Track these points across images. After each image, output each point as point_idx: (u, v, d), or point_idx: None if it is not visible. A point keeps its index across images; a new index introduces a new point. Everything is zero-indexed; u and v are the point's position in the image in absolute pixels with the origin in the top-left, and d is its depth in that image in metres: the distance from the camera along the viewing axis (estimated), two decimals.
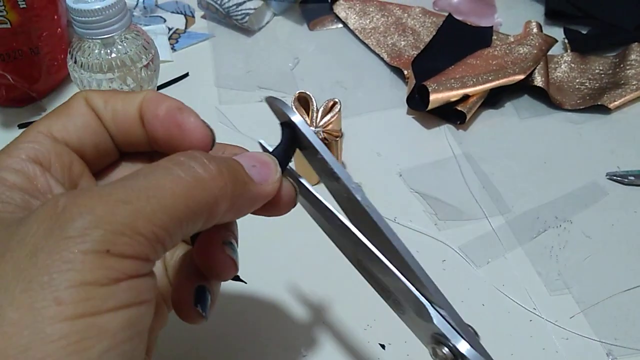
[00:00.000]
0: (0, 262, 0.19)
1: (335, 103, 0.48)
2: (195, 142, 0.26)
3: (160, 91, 0.61)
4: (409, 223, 0.48)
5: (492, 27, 0.68)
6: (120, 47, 0.48)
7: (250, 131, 0.55)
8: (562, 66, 0.64)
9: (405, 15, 0.71)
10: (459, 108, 0.56)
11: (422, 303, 0.26)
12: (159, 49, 0.52)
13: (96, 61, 0.48)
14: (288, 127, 0.27)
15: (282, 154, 0.28)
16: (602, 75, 0.63)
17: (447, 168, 0.53)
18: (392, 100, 0.61)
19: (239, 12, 0.68)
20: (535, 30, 0.66)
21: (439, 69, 0.59)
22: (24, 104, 0.60)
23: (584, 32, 0.69)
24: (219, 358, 0.39)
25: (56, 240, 0.19)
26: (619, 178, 0.51)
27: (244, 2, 0.68)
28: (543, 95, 0.59)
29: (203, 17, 0.74)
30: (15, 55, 0.55)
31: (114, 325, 0.19)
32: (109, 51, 0.48)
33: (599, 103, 0.58)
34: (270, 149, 0.28)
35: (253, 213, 0.27)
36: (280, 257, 0.45)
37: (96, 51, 0.48)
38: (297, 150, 0.28)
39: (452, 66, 0.60)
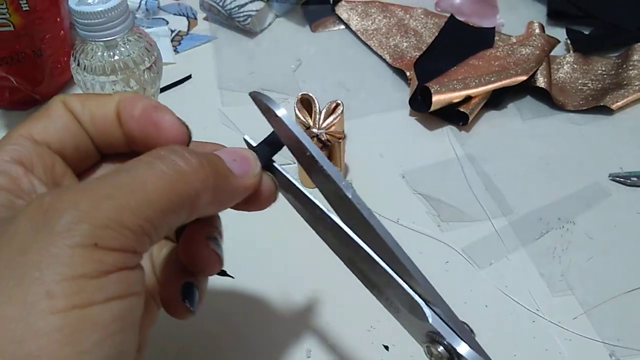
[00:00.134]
0: None
1: (337, 105, 0.48)
2: (171, 139, 0.27)
3: (163, 93, 0.61)
4: (412, 224, 0.48)
5: (494, 28, 0.68)
6: (123, 49, 0.48)
7: (253, 133, 0.55)
8: (565, 67, 0.64)
9: (408, 16, 0.71)
10: (461, 109, 0.56)
11: (416, 301, 0.26)
12: (161, 51, 0.52)
13: (99, 63, 0.48)
14: (271, 121, 0.27)
15: (263, 149, 0.28)
16: (605, 76, 0.63)
17: (450, 169, 0.53)
18: (395, 101, 0.61)
19: (241, 14, 0.68)
20: (537, 31, 0.66)
21: (441, 70, 0.59)
22: (28, 107, 0.60)
23: (587, 32, 0.69)
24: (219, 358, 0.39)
25: (44, 237, 0.19)
26: (621, 179, 0.51)
27: (246, 3, 0.68)
28: (545, 96, 0.59)
29: (205, 19, 0.74)
30: (19, 57, 0.56)
31: (105, 317, 0.19)
32: (111, 53, 0.48)
33: (602, 104, 0.58)
34: (255, 144, 0.29)
35: (235, 207, 0.27)
36: (284, 258, 0.45)
37: (99, 53, 0.48)
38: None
39: (455, 67, 0.60)
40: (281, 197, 0.29)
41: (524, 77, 0.58)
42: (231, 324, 0.41)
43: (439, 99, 0.55)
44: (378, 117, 0.59)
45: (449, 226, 0.48)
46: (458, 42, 0.65)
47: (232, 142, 0.31)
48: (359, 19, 0.71)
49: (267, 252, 0.46)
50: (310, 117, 0.48)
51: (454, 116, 0.57)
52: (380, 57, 0.67)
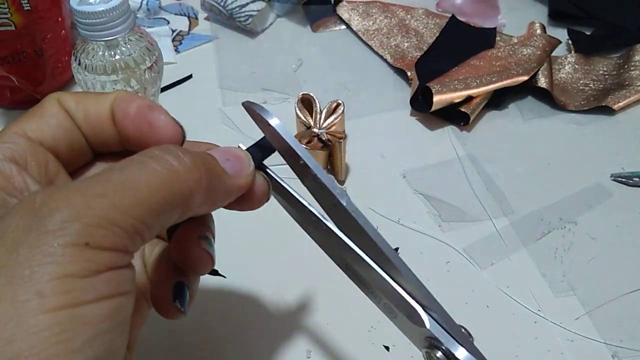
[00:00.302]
0: None
1: (338, 104, 0.48)
2: (165, 139, 0.27)
3: (164, 93, 0.61)
4: (413, 224, 0.48)
5: (495, 28, 0.68)
6: (124, 49, 0.48)
7: (254, 133, 0.55)
8: (566, 67, 0.64)
9: (409, 16, 0.71)
10: (462, 109, 0.56)
11: (412, 307, 0.26)
12: (162, 50, 0.52)
13: (100, 63, 0.48)
14: (264, 130, 0.28)
15: (254, 152, 0.28)
16: (606, 77, 0.63)
17: (451, 169, 0.53)
18: (396, 101, 0.61)
19: (243, 14, 0.68)
20: (538, 31, 0.66)
21: (442, 70, 0.59)
22: (29, 106, 0.58)
23: (588, 33, 0.69)
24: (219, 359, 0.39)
25: (35, 235, 0.19)
26: (623, 179, 0.51)
27: (247, 3, 0.68)
28: (547, 97, 0.59)
29: (206, 19, 0.74)
30: (20, 57, 0.56)
31: (96, 316, 0.19)
32: (112, 53, 0.48)
33: (603, 104, 0.58)
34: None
35: (228, 207, 0.27)
36: (284, 258, 0.45)
37: (100, 53, 0.48)
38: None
39: (456, 67, 0.60)
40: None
41: (525, 78, 0.58)
42: (230, 325, 0.41)
43: (440, 99, 0.55)
44: (379, 117, 0.59)
45: (450, 226, 0.48)
46: (459, 42, 0.65)
47: (233, 142, 0.31)
48: (360, 19, 0.71)
49: (268, 252, 0.45)
50: (311, 117, 0.48)
51: (455, 116, 0.57)
52: (381, 57, 0.66)
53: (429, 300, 0.26)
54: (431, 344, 0.26)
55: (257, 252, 0.45)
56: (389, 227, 0.47)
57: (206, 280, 0.33)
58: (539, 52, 0.60)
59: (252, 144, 0.29)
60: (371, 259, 0.26)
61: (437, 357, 0.25)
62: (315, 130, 0.48)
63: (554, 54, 0.63)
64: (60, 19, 0.58)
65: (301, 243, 0.45)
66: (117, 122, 0.27)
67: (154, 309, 0.28)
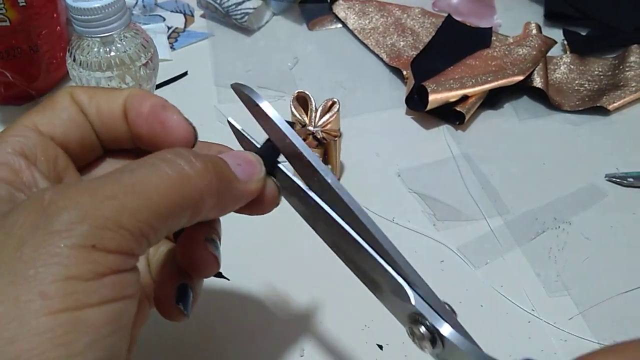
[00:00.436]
0: None
1: (334, 103, 0.48)
2: (178, 139, 0.26)
3: (159, 90, 0.61)
4: (407, 223, 0.48)
5: (491, 28, 0.68)
6: (119, 45, 0.48)
7: (249, 130, 0.55)
8: (562, 67, 0.64)
9: (405, 15, 0.71)
10: (458, 109, 0.56)
11: (399, 283, 0.26)
12: (158, 47, 0.52)
13: (95, 59, 0.48)
14: (253, 112, 0.27)
15: (266, 153, 0.28)
16: (601, 77, 0.63)
17: (446, 168, 0.53)
18: (391, 100, 0.61)
19: (239, 12, 0.68)
20: (534, 31, 0.66)
21: (438, 69, 0.59)
22: (23, 102, 0.59)
23: (584, 33, 0.69)
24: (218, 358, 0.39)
25: (42, 234, 0.19)
26: (618, 179, 0.51)
27: (244, 1, 0.68)
28: (542, 97, 0.59)
29: (202, 16, 0.73)
30: (15, 53, 0.55)
31: (98, 319, 0.19)
32: (108, 49, 0.48)
33: (598, 104, 0.58)
34: (239, 127, 0.29)
35: (237, 211, 0.27)
36: (277, 257, 0.45)
37: (95, 49, 0.48)
38: None
39: (452, 67, 0.60)
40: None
41: (521, 77, 0.58)
42: (224, 324, 0.41)
43: (435, 98, 0.55)
44: (374, 115, 0.59)
45: (445, 225, 0.48)
46: (455, 41, 0.65)
47: (228, 139, 0.31)
48: (356, 17, 0.71)
49: (260, 253, 0.45)
50: (307, 115, 0.48)
51: (451, 115, 0.57)
52: (377, 56, 0.66)
53: (413, 276, 0.26)
54: (415, 319, 0.26)
55: (252, 253, 0.45)
56: (383, 226, 0.47)
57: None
58: (534, 52, 0.61)
59: (261, 144, 0.29)
60: (359, 235, 0.26)
61: (420, 332, 0.26)
62: (311, 128, 0.48)
63: (549, 54, 0.63)
64: (55, 15, 0.57)
65: (297, 244, 0.45)
66: (129, 120, 0.27)
67: (157, 310, 0.28)
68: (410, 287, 0.26)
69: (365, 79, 0.64)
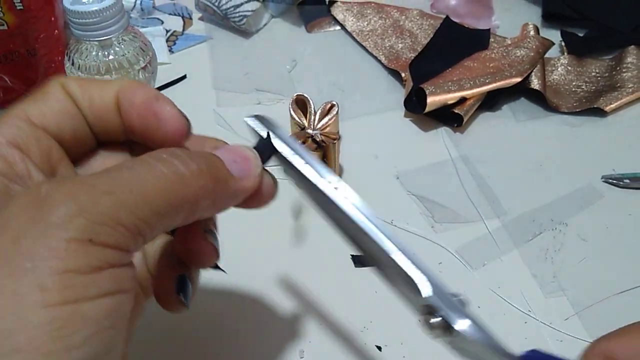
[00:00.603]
0: None
1: (332, 105, 0.48)
2: (171, 131, 0.26)
3: None
4: (406, 225, 0.48)
5: (489, 29, 0.68)
6: (117, 49, 0.48)
7: (248, 134, 0.55)
8: (559, 69, 0.64)
9: (403, 17, 0.71)
10: (456, 111, 0.56)
11: (414, 275, 0.26)
12: (156, 51, 0.52)
13: (93, 63, 0.48)
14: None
15: (264, 146, 0.28)
16: (599, 78, 0.63)
17: (444, 171, 0.53)
18: (390, 102, 0.61)
19: (237, 14, 0.68)
20: (532, 32, 0.66)
21: (436, 71, 0.60)
22: None
23: (581, 34, 0.69)
24: (216, 358, 0.39)
25: (40, 227, 0.19)
26: (614, 181, 0.51)
27: (242, 4, 0.68)
28: (540, 98, 0.60)
29: (201, 19, 0.74)
30: (12, 57, 0.55)
31: (96, 312, 0.19)
32: (106, 53, 0.48)
33: (595, 106, 0.58)
34: (257, 128, 0.29)
35: (234, 206, 0.27)
36: (277, 258, 0.45)
37: (93, 53, 0.48)
38: None
39: (450, 69, 0.60)
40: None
41: (519, 79, 0.58)
42: (223, 325, 0.41)
43: (433, 100, 0.55)
44: (373, 118, 0.59)
45: (443, 227, 0.48)
46: (453, 43, 0.65)
47: (227, 141, 0.31)
48: (354, 19, 0.71)
49: (259, 252, 0.46)
50: (305, 117, 0.48)
51: (449, 117, 0.57)
52: (375, 58, 0.67)
53: (424, 268, 0.26)
54: (429, 311, 0.26)
55: (250, 252, 0.45)
56: None
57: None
58: (532, 54, 0.61)
59: (257, 140, 0.29)
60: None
61: (436, 324, 0.26)
62: (310, 131, 0.48)
63: (547, 55, 0.63)
64: (53, 19, 0.57)
65: (297, 244, 0.45)
66: (122, 112, 0.26)
67: (157, 301, 0.28)
68: (425, 277, 0.26)
69: (364, 82, 0.64)
